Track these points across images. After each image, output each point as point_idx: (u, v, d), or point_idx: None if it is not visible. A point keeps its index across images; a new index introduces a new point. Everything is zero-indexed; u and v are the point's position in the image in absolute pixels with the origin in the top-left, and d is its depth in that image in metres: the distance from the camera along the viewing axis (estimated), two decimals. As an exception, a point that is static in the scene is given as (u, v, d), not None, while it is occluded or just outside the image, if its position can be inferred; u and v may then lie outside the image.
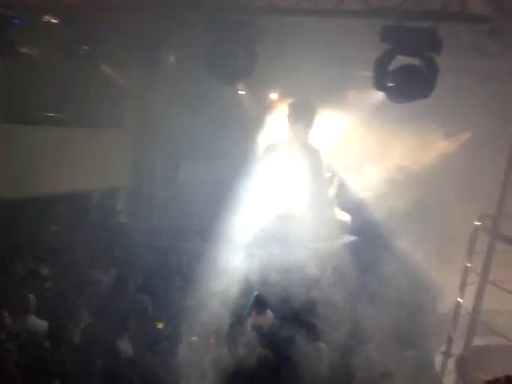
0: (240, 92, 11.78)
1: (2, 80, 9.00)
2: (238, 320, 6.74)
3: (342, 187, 10.66)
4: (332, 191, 10.45)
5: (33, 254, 8.21)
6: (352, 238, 10.42)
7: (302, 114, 10.54)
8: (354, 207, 10.61)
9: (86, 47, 8.99)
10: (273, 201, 9.84)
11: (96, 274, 7.99)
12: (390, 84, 6.47)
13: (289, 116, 10.62)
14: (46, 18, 8.05)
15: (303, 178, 9.87)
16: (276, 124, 11.07)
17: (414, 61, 6.41)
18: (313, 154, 10.39)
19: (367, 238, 10.09)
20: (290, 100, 10.72)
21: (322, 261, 9.18)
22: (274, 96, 11.72)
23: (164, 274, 8.37)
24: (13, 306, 6.36)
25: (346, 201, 10.76)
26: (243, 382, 5.61)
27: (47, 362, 5.56)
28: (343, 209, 10.72)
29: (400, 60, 6.48)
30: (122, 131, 11.49)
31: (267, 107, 11.58)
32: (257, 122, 11.62)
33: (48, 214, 9.71)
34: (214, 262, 8.18)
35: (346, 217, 10.61)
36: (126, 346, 6.01)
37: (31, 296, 6.64)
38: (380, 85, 6.55)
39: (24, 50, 8.66)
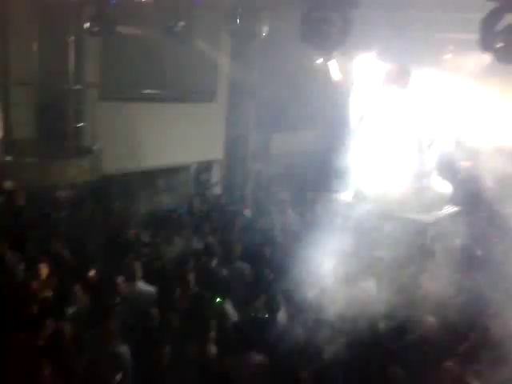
0: (331, 61, 11.58)
1: (103, 59, 9.42)
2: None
3: (442, 156, 10.19)
4: (431, 160, 10.01)
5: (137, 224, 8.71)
6: (453, 209, 10.00)
7: (397, 81, 10.15)
8: (456, 177, 10.16)
9: (180, 23, 9.22)
10: (368, 171, 9.63)
11: (196, 243, 8.29)
12: (500, 45, 6.08)
13: (383, 83, 10.27)
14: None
15: (400, 147, 9.56)
16: (370, 92, 10.74)
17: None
18: (410, 121, 10.01)
19: (470, 209, 9.66)
20: (384, 66, 10.36)
21: (422, 232, 8.94)
22: (366, 63, 11.35)
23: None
24: (123, 272, 6.76)
25: (446, 170, 10.31)
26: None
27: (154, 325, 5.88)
28: (444, 178, 10.29)
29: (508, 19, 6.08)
30: (215, 105, 11.70)
31: (360, 75, 11.25)
32: (349, 91, 11.37)
33: (149, 187, 10.15)
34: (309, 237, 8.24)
35: (446, 187, 10.17)
36: (232, 311, 6.22)
37: (137, 263, 7.05)
38: (488, 46, 6.16)
39: (122, 29, 9.03)
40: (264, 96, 12.42)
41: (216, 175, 12.01)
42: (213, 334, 5.66)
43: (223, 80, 11.83)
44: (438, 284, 7.12)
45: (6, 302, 5.75)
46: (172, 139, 10.26)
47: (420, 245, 8.51)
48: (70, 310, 5.87)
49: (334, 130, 13.52)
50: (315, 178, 11.95)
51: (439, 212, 9.79)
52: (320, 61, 11.79)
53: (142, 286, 6.75)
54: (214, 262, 7.47)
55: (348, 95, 11.05)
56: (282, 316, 6.34)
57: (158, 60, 10.15)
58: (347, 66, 11.06)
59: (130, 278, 6.71)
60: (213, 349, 5.55)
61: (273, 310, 6.32)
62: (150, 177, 10.24)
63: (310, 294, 6.73)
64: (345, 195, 10.05)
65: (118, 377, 5.18)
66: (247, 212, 9.96)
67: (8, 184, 7.73)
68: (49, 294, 6.12)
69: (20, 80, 7.87)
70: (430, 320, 6.08)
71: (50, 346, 5.21)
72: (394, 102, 10.03)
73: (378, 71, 10.37)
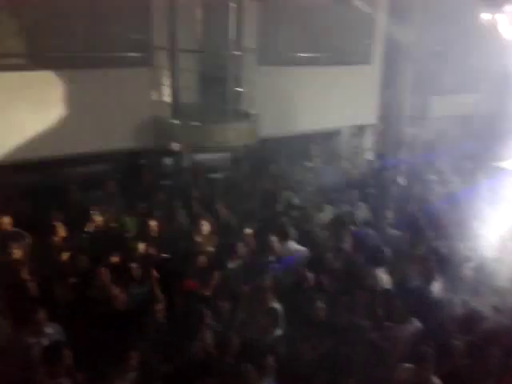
0: (500, 15, 10.56)
1: (260, 24, 9.56)
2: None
3: None
4: None
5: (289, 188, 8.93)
6: None
7: None
8: None
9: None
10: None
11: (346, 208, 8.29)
12: None
13: None
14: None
15: None
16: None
17: None
18: None
19: None
20: None
21: None
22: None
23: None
24: (277, 233, 7.01)
25: None
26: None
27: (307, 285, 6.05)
28: None
29: None
30: (369, 67, 11.35)
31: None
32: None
33: (302, 151, 10.28)
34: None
35: None
36: (384, 277, 6.17)
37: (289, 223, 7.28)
38: None
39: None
40: (422, 56, 11.77)
41: (369, 140, 11.76)
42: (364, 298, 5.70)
43: (379, 40, 11.37)
44: None
45: (176, 252, 6.34)
46: (325, 103, 10.19)
47: None
48: (231, 265, 6.29)
49: (499, 93, 12.47)
50: (476, 144, 11.19)
51: None
52: (487, 15, 10.80)
53: (295, 246, 6.96)
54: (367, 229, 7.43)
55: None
56: (436, 285, 6.16)
57: (313, 22, 10.07)
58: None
59: (283, 238, 6.96)
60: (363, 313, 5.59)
61: (427, 279, 6.15)
62: (303, 141, 10.35)
63: (469, 265, 6.46)
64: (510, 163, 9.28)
65: (274, 332, 5.44)
66: (401, 179, 9.64)
67: (175, 146, 8.34)
68: (211, 248, 6.61)
69: (186, 47, 8.34)
70: None
71: (214, 296, 5.64)
72: None
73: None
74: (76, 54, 7.88)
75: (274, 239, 6.74)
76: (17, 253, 6.02)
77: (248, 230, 6.96)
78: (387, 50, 11.42)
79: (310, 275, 6.04)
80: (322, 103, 10.13)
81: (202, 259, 6.16)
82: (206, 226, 6.94)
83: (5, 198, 7.42)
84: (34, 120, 7.55)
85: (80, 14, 7.81)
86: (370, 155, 11.32)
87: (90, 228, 6.90)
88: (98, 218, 6.96)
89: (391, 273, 6.32)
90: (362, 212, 8.11)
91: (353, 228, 7.36)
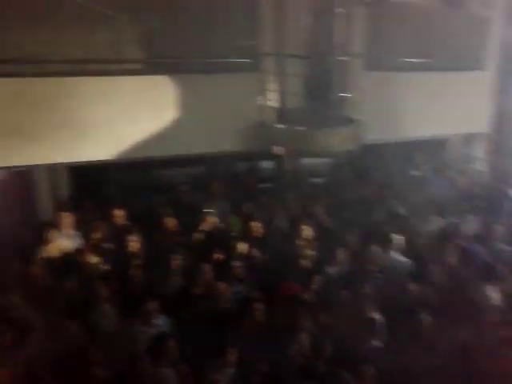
0: None
1: (367, 29, 9.43)
2: None
3: None
4: None
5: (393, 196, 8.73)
6: None
7: None
8: None
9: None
10: None
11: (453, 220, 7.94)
12: None
13: None
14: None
15: None
16: None
17: None
18: None
19: None
20: None
21: None
22: None
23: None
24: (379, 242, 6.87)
25: None
26: None
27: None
28: None
29: None
30: (482, 73, 10.78)
31: None
32: None
33: (408, 159, 10.00)
34: None
35: None
36: (494, 294, 5.84)
37: (392, 234, 7.10)
38: None
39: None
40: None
41: (481, 149, 11.15)
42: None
43: (494, 45, 10.73)
44: None
45: (277, 254, 6.42)
46: (434, 109, 9.77)
47: None
48: (330, 271, 6.26)
49: None
50: None
51: None
52: None
53: (398, 256, 6.79)
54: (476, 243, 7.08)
55: None
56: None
57: (422, 27, 9.73)
58: None
59: (386, 248, 6.81)
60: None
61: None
62: (409, 148, 10.05)
63: None
64: None
65: (371, 342, 5.34)
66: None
67: (279, 150, 8.44)
68: (311, 252, 6.61)
69: (293, 52, 8.40)
70: None
71: (314, 301, 5.64)
72: None
73: None
74: (188, 60, 8.23)
75: (376, 248, 6.62)
76: (133, 245, 6.34)
77: (350, 237, 6.89)
78: (504, 56, 10.79)
79: (413, 287, 5.86)
80: (430, 110, 9.76)
81: (304, 263, 6.19)
82: (307, 231, 6.96)
83: (116, 193, 7.92)
84: (147, 122, 7.96)
85: (191, 21, 8.16)
86: (481, 165, 10.73)
87: (204, 227, 7.13)
88: (213, 219, 7.18)
89: (503, 290, 5.97)
90: (471, 225, 7.73)
91: (460, 241, 7.04)
